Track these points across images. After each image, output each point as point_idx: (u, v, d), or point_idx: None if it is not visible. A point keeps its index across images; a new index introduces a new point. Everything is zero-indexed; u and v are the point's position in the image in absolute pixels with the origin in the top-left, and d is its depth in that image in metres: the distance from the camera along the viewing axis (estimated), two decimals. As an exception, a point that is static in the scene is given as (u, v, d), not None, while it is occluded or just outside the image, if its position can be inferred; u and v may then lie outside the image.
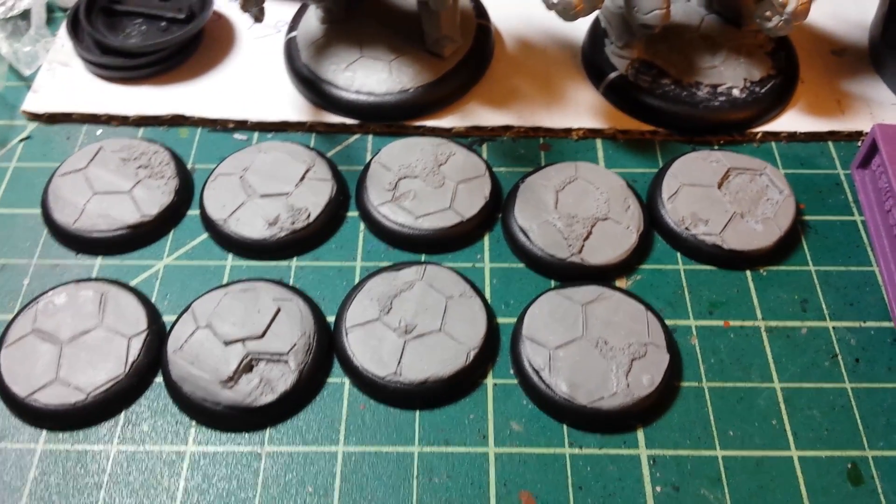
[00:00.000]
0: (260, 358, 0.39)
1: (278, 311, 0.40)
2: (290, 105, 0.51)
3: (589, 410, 0.38)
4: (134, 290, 0.42)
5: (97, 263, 0.44)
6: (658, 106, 0.50)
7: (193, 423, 0.39)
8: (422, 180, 0.46)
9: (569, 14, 0.42)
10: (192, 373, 0.38)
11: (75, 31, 0.52)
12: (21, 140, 0.50)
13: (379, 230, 0.45)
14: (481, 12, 0.55)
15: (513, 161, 0.49)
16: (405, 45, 0.51)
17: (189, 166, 0.49)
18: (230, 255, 0.45)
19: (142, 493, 0.37)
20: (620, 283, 0.44)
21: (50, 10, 0.58)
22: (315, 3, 0.50)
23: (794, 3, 0.44)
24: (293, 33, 0.53)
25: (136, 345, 0.40)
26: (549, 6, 0.43)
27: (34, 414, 0.38)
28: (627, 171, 0.49)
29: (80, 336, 0.40)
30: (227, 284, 0.42)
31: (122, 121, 0.51)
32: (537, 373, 0.39)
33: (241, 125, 0.51)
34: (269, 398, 0.38)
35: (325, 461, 0.38)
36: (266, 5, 0.46)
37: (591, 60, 0.53)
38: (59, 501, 0.37)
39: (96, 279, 0.43)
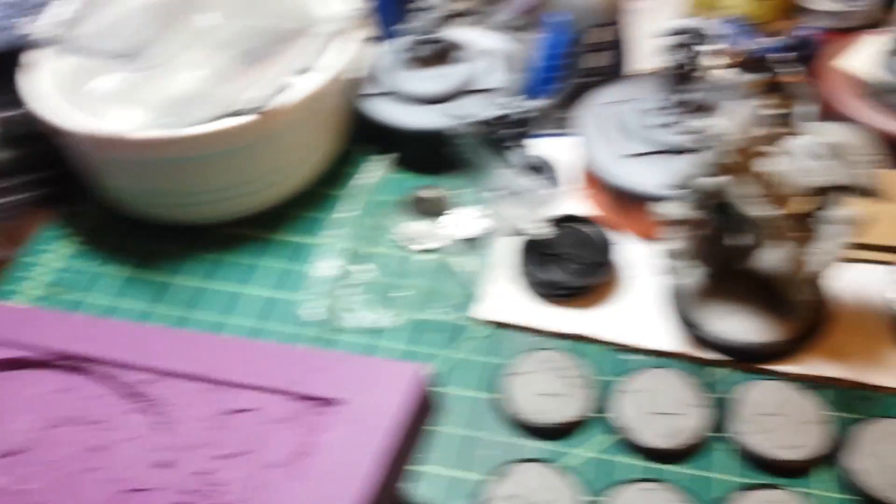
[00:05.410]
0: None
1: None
2: (671, 337, 0.68)
3: None
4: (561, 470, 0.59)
5: (528, 444, 0.62)
6: None
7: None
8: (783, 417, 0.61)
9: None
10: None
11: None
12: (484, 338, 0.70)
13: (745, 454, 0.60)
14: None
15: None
16: (769, 303, 0.66)
17: (593, 377, 0.66)
18: (637, 457, 0.61)
19: None
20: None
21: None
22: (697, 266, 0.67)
23: None
24: (677, 282, 0.70)
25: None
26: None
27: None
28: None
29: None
30: (633, 481, 0.58)
31: (547, 334, 0.70)
32: None
33: (631, 349, 0.68)
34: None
35: None
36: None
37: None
38: None
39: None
